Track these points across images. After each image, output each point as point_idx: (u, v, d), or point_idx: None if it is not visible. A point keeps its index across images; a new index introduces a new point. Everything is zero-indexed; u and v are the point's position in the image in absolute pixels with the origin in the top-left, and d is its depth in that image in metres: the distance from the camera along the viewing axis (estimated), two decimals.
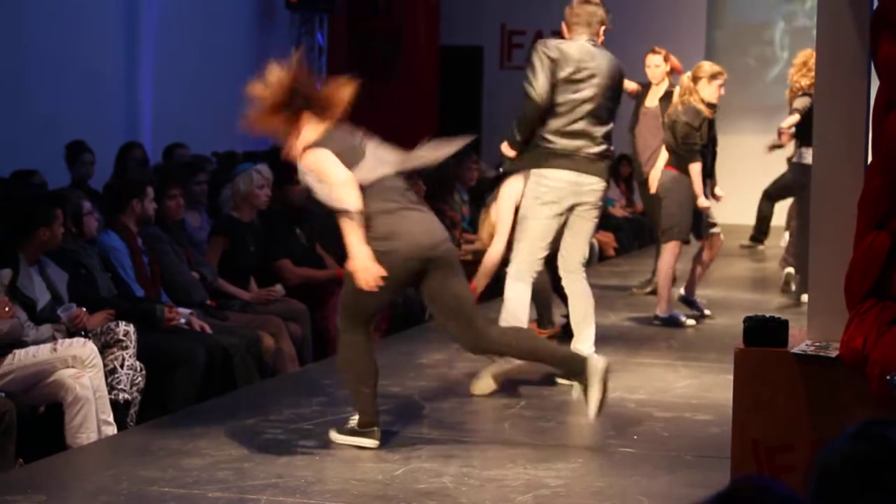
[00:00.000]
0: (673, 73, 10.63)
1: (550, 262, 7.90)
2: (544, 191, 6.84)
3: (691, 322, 9.08)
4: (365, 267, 5.45)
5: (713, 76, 8.99)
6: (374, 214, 5.51)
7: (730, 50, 16.82)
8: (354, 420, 5.74)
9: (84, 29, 11.03)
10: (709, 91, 8.96)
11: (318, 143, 5.57)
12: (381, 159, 5.62)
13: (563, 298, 8.32)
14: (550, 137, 6.83)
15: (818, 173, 4.74)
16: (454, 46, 17.32)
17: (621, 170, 15.36)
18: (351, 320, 5.64)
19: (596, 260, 13.13)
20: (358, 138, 5.68)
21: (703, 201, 8.99)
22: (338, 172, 5.48)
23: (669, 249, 9.03)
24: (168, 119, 11.70)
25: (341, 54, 14.94)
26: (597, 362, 5.68)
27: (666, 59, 10.78)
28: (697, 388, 7.07)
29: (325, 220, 9.09)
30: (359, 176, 5.49)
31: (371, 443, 5.66)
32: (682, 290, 9.51)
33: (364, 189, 5.49)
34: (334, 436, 5.74)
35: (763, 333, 4.56)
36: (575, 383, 5.76)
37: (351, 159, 5.53)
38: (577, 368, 5.68)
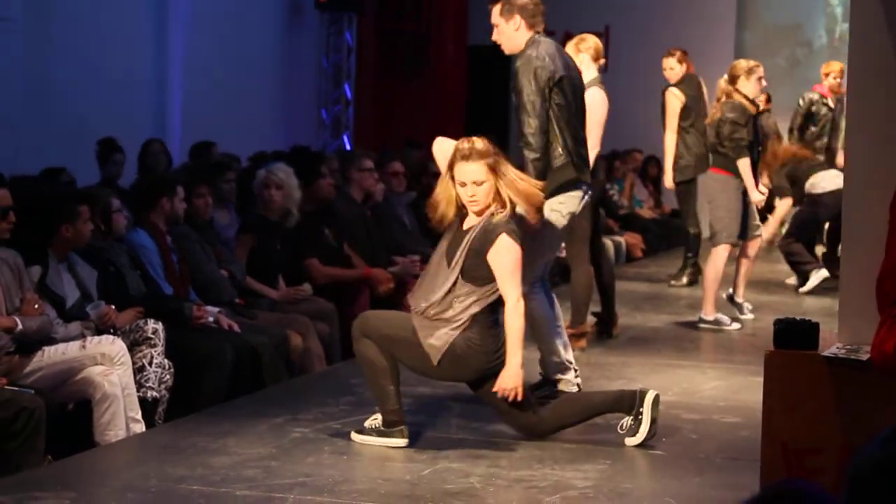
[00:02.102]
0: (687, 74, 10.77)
1: (594, 257, 7.98)
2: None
3: (736, 325, 9.00)
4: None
5: (750, 71, 8.99)
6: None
7: (759, 51, 16.74)
8: (377, 420, 5.71)
9: (114, 30, 11.06)
10: (749, 87, 8.97)
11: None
12: None
13: (603, 293, 8.36)
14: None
15: (850, 177, 4.72)
16: (482, 46, 17.21)
17: (649, 170, 15.34)
18: (368, 335, 5.62)
19: (623, 260, 13.12)
20: None
21: (756, 195, 8.91)
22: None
23: (718, 253, 8.96)
24: (197, 119, 11.72)
25: (370, 54, 14.95)
26: (649, 395, 5.74)
27: (681, 61, 10.86)
28: (726, 390, 7.04)
29: (353, 218, 9.14)
30: None
31: (400, 442, 5.64)
32: (729, 290, 9.47)
33: None
34: (357, 437, 5.71)
35: (794, 336, 4.54)
36: (625, 417, 5.76)
37: None
38: (629, 403, 5.74)
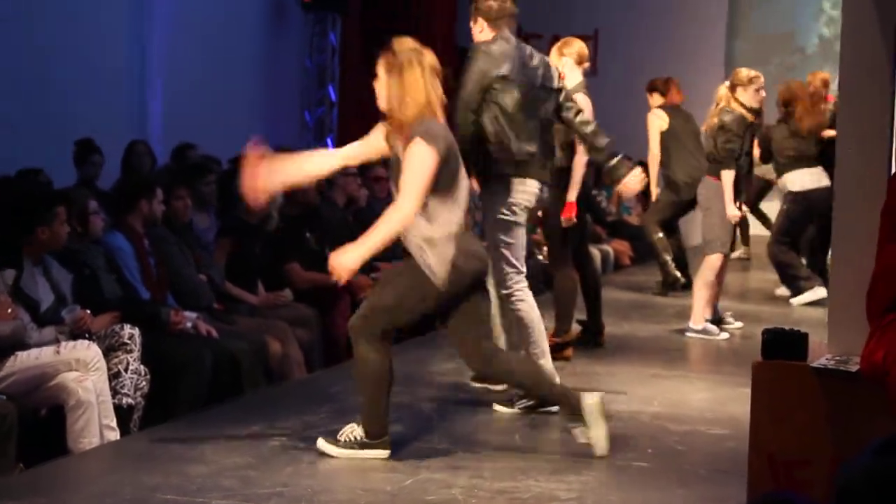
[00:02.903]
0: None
1: (580, 264, 8.01)
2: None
3: (724, 335, 9.01)
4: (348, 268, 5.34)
5: (750, 80, 8.99)
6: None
7: (751, 58, 16.79)
8: (358, 431, 5.62)
9: (93, 28, 11.04)
10: (747, 97, 8.96)
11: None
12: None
13: (589, 301, 8.36)
14: None
15: (840, 183, 4.72)
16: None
17: None
18: (380, 330, 5.53)
19: (611, 269, 13.13)
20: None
21: (731, 209, 8.92)
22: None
23: (710, 262, 8.96)
24: (178, 120, 11.70)
25: (355, 56, 14.94)
26: (590, 399, 5.65)
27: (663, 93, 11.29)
28: (713, 401, 7.04)
29: (336, 223, 9.14)
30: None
31: (384, 453, 5.60)
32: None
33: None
34: (335, 451, 5.58)
35: (782, 346, 4.53)
36: (579, 427, 5.69)
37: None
38: (573, 407, 5.65)
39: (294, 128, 14.37)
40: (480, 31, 6.70)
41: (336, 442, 5.64)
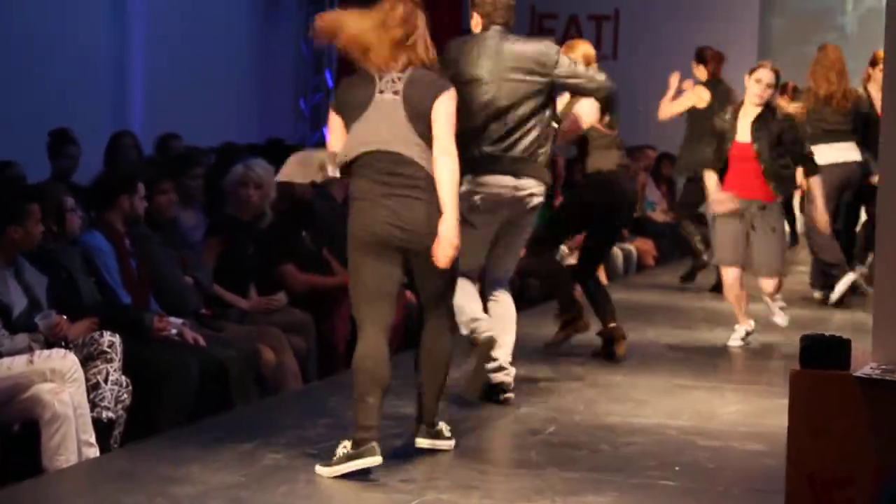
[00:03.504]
0: None
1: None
2: None
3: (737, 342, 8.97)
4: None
5: (751, 71, 8.89)
6: None
7: (788, 38, 16.77)
8: (346, 445, 5.58)
9: (68, 9, 11.04)
10: (749, 88, 8.79)
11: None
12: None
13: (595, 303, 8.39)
14: None
15: (885, 179, 4.70)
16: None
17: (662, 169, 15.31)
18: (362, 315, 5.81)
19: (634, 269, 13.11)
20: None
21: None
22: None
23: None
24: (161, 108, 11.71)
25: None
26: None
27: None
28: (747, 414, 7.03)
29: (334, 220, 9.12)
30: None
31: (374, 461, 5.51)
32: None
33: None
34: (326, 471, 5.55)
35: (822, 354, 4.52)
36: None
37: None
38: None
39: (288, 116, 14.39)
40: (475, 25, 7.02)
41: (329, 463, 5.58)
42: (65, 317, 6.42)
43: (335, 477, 5.51)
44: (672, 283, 12.03)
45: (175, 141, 10.41)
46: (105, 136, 10.16)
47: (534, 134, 6.89)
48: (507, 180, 6.85)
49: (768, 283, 8.85)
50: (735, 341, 8.96)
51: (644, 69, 16.01)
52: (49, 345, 6.27)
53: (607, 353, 8.31)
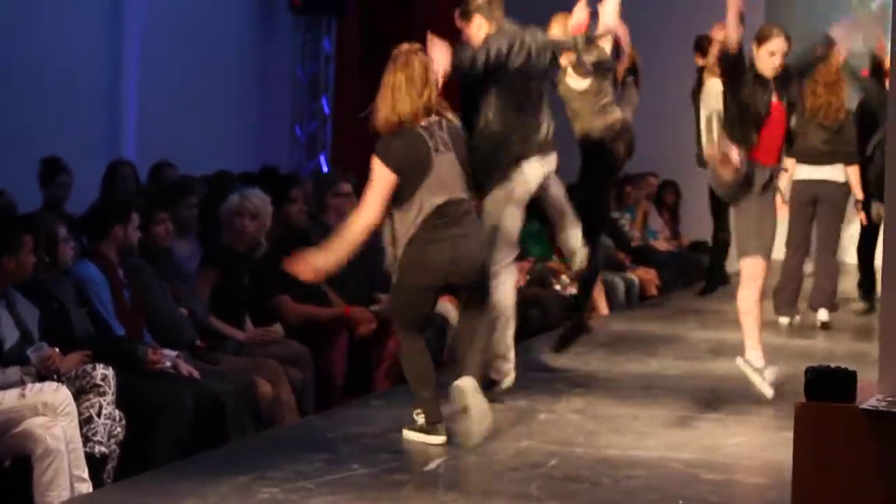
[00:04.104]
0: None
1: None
2: None
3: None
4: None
5: (760, 40, 8.00)
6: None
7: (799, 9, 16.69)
8: (421, 418, 6.73)
9: (61, 32, 11.08)
10: (760, 61, 7.96)
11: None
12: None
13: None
14: None
15: (891, 196, 4.71)
16: None
17: (665, 197, 15.32)
18: (406, 327, 6.76)
19: (636, 299, 13.11)
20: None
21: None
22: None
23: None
24: (155, 135, 11.73)
25: (352, 63, 14.96)
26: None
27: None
28: (751, 446, 7.03)
29: None
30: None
31: (438, 440, 6.63)
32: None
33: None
34: (406, 433, 6.75)
35: (828, 385, 4.54)
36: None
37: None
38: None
39: (284, 144, 14.40)
40: (479, 28, 7.44)
41: (410, 426, 6.80)
42: (57, 349, 6.44)
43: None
44: (676, 315, 12.03)
45: (169, 169, 10.44)
46: (98, 164, 10.19)
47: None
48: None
49: None
50: (761, 383, 8.04)
51: (644, 91, 16.03)
52: (41, 378, 6.28)
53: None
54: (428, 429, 6.71)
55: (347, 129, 14.83)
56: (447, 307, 9.64)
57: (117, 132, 11.69)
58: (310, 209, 9.40)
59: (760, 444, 7.05)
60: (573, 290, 9.67)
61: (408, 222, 6.57)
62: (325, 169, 14.11)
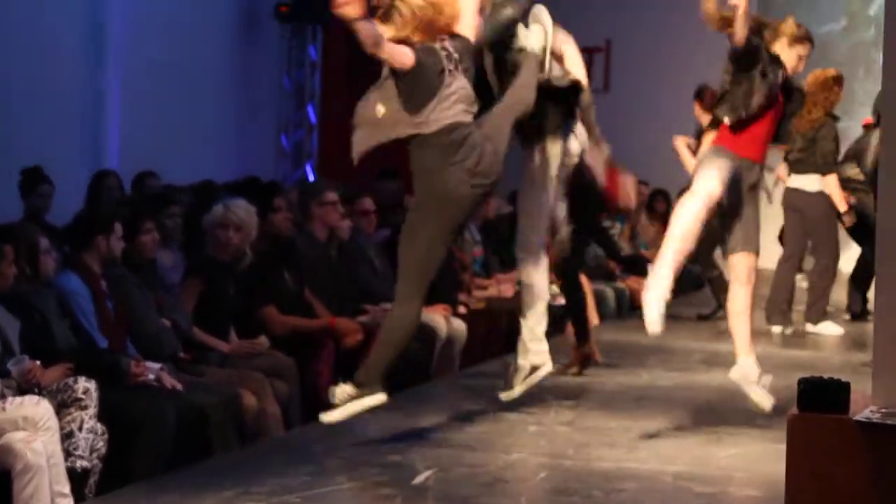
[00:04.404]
0: None
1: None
2: None
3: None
4: None
5: (795, 39, 8.14)
6: None
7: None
8: (347, 388, 6.63)
9: (40, 39, 11.05)
10: (787, 55, 7.86)
11: None
12: None
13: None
14: None
15: (884, 207, 4.71)
16: None
17: (656, 206, 15.34)
18: (415, 284, 6.67)
19: (626, 309, 13.11)
20: None
21: None
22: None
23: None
24: (138, 144, 11.72)
25: (338, 71, 14.97)
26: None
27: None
28: (744, 459, 7.03)
29: (316, 260, 9.13)
30: None
31: (379, 398, 6.66)
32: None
33: None
34: (330, 416, 6.64)
35: (821, 397, 4.53)
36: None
37: None
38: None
39: (269, 153, 14.40)
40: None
41: (333, 406, 6.65)
42: (38, 362, 6.41)
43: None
44: (666, 324, 12.00)
45: (152, 179, 10.43)
46: (79, 173, 10.17)
47: None
48: None
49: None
50: (759, 393, 7.82)
51: (636, 101, 16.09)
52: (21, 391, 6.25)
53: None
54: (362, 392, 6.66)
55: (334, 137, 14.82)
56: (436, 319, 9.64)
57: (99, 141, 11.68)
58: (295, 219, 9.39)
59: (753, 457, 7.04)
60: (561, 301, 9.66)
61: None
62: (310, 178, 14.10)
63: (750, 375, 7.77)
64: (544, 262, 7.77)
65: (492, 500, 6.13)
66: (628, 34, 17.22)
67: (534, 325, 7.75)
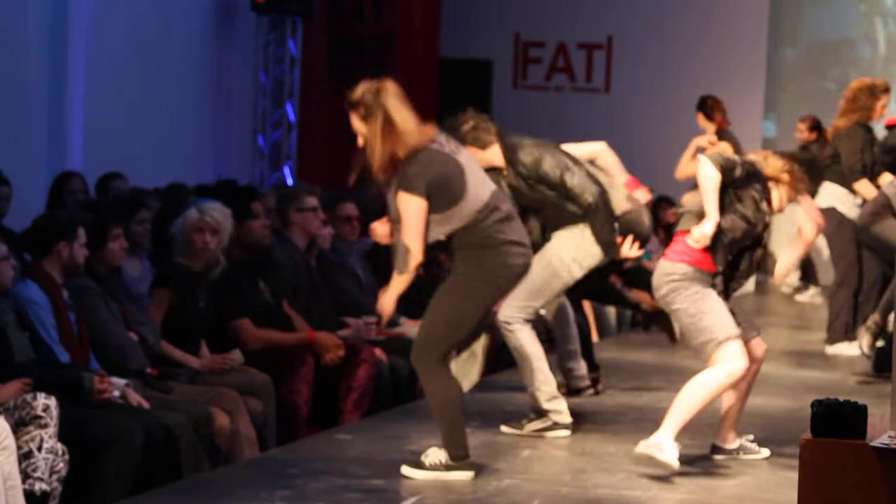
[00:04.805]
0: None
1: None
2: None
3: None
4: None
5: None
6: None
7: (803, 72, 16.85)
8: (442, 455, 6.89)
9: (1, 34, 11.04)
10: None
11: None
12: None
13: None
14: None
15: None
16: (458, 60, 17.39)
17: (660, 214, 15.35)
18: (439, 357, 6.91)
19: (628, 325, 13.12)
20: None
21: None
22: None
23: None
24: (103, 145, 11.70)
25: (318, 67, 14.99)
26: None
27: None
28: (753, 487, 7.04)
29: (294, 269, 9.13)
30: None
31: (470, 475, 6.87)
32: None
33: None
34: (419, 473, 6.89)
35: (836, 421, 4.54)
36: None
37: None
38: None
39: (245, 154, 14.39)
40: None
41: (421, 465, 6.88)
42: None
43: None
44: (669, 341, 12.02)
45: (119, 181, 10.42)
46: (40, 175, 10.16)
47: None
48: None
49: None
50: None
51: (639, 103, 16.12)
52: None
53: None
54: (454, 465, 6.90)
55: (314, 138, 14.87)
56: (414, 330, 9.67)
57: (61, 141, 11.64)
58: (272, 225, 9.38)
59: (763, 485, 7.06)
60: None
61: (465, 220, 6.88)
62: (289, 181, 14.09)
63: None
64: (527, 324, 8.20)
65: None
66: (631, 30, 17.25)
67: (542, 386, 8.10)
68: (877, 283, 11.38)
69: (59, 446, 6.45)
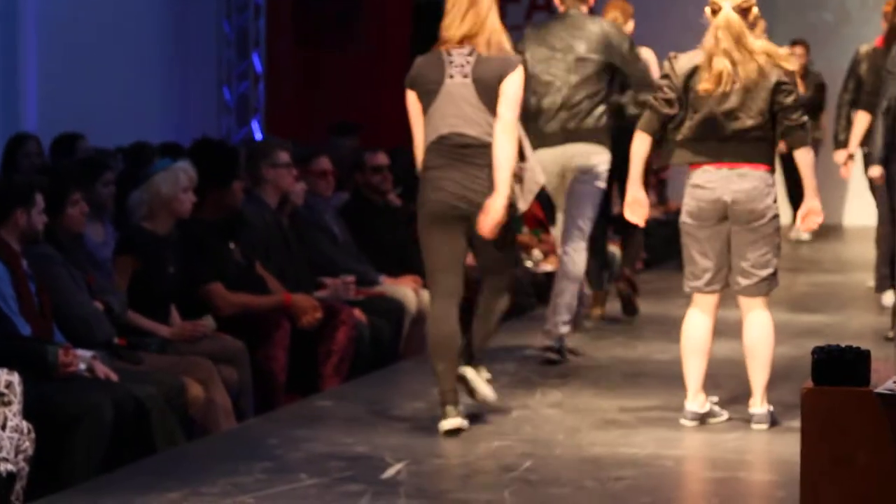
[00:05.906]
0: None
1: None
2: None
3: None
4: None
5: None
6: None
7: (798, 3, 16.83)
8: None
9: None
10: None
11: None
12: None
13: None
14: None
15: None
16: (434, 2, 17.32)
17: (649, 157, 15.32)
18: (435, 290, 7.29)
19: (617, 274, 13.13)
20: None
21: None
22: None
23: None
24: (59, 103, 11.67)
25: (283, 15, 14.93)
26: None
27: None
28: (754, 440, 7.07)
29: (266, 228, 9.12)
30: None
31: (445, 424, 6.97)
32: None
33: None
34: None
35: (838, 368, 4.55)
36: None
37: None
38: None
39: (210, 108, 14.34)
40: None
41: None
42: None
43: None
44: (665, 290, 12.04)
45: (79, 142, 10.37)
46: None
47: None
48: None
49: None
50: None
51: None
52: None
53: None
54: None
55: (283, 89, 14.83)
56: (405, 291, 9.66)
57: (14, 101, 11.60)
58: (244, 184, 9.34)
59: (764, 437, 7.09)
60: (547, 267, 9.73)
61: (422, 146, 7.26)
62: (257, 136, 14.07)
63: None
64: None
65: (471, 495, 6.16)
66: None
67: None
68: None
69: (25, 424, 6.44)
